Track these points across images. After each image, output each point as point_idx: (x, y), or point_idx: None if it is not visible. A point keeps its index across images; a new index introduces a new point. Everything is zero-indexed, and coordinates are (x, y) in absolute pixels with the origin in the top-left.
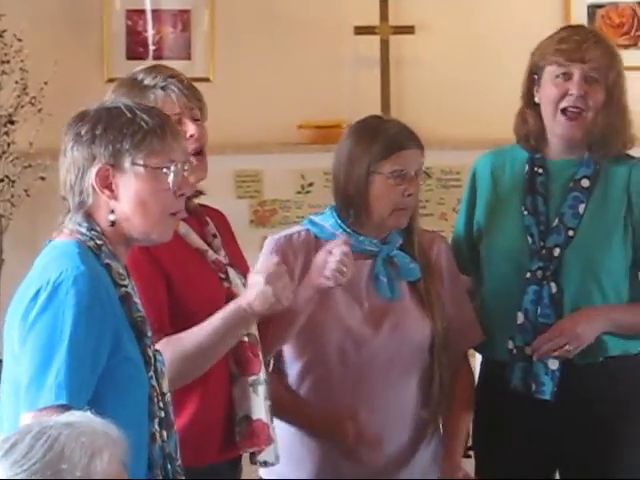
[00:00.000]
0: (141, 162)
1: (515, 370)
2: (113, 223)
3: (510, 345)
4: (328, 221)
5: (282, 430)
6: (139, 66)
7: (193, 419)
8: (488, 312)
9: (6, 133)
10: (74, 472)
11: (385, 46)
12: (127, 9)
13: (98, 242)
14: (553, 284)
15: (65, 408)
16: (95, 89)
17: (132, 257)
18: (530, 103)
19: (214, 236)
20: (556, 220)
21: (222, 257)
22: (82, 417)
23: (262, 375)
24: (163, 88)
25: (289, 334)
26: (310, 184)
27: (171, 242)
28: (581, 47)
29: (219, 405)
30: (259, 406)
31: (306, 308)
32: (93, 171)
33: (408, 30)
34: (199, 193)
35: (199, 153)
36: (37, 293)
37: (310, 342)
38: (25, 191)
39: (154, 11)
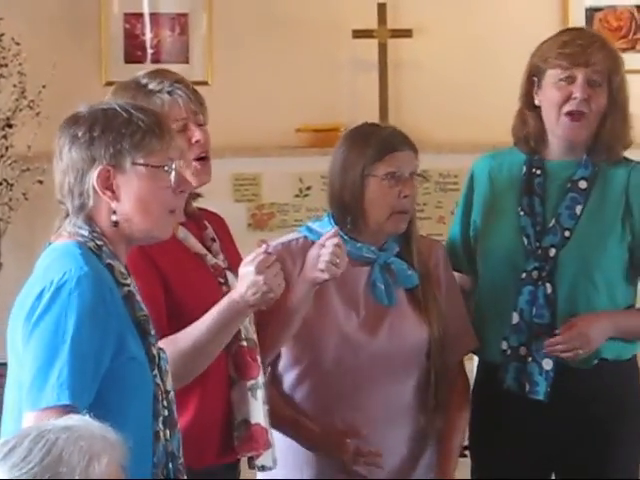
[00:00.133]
0: (142, 162)
1: (509, 370)
2: (116, 224)
3: (504, 346)
4: (325, 228)
5: (280, 434)
6: (137, 69)
7: (191, 422)
8: (483, 312)
9: (4, 136)
10: (72, 476)
11: (383, 49)
12: (125, 13)
13: (98, 243)
14: (548, 285)
15: (68, 408)
16: (93, 92)
17: (130, 260)
18: (529, 105)
19: (213, 240)
20: (552, 221)
21: (221, 261)
22: (80, 421)
23: (261, 379)
24: (170, 93)
25: (287, 335)
26: (308, 187)
27: (170, 246)
28: (585, 51)
29: (217, 409)
30: (258, 410)
31: (303, 305)
32: (94, 173)
33: (406, 33)
34: (197, 195)
35: (203, 158)
36: (41, 294)
37: (307, 348)
38: (23, 194)
39: (152, 15)
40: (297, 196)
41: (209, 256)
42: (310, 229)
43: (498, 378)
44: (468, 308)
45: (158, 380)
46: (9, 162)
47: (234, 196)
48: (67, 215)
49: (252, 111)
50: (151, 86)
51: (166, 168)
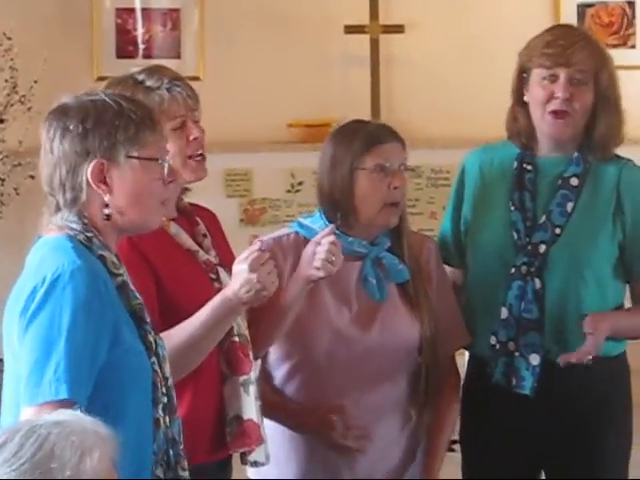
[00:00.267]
0: (136, 155)
1: (498, 365)
2: (108, 217)
3: (493, 340)
4: (317, 223)
5: (269, 430)
6: (129, 65)
7: (184, 418)
8: (473, 307)
9: None
10: (64, 471)
11: (375, 45)
12: (117, 8)
13: (88, 235)
14: (537, 280)
15: (65, 402)
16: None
17: (122, 256)
18: (520, 101)
19: (204, 236)
20: (543, 217)
21: (212, 257)
22: (72, 416)
23: (253, 375)
24: (168, 90)
25: (279, 332)
26: (300, 183)
27: (162, 242)
28: (565, 52)
29: (210, 405)
30: (250, 406)
31: (296, 303)
32: (89, 166)
33: (398, 29)
34: (185, 190)
35: (200, 154)
36: (34, 289)
37: (298, 344)
38: (15, 189)
39: (144, 10)
40: (289, 191)
41: (201, 252)
42: (301, 225)
43: (487, 373)
44: (459, 303)
45: (156, 367)
46: (0, 157)
47: (226, 191)
48: (58, 208)
49: (244, 106)
50: (149, 83)
51: (160, 161)
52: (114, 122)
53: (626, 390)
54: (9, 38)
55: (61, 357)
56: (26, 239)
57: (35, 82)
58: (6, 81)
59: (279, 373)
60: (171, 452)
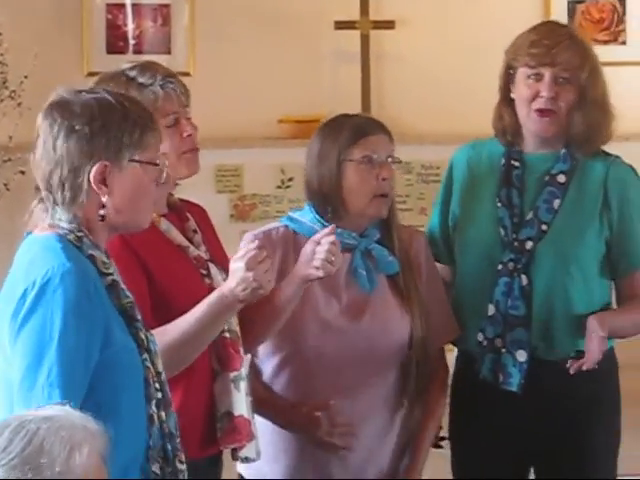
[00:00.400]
0: (138, 158)
1: (485, 361)
2: (103, 218)
3: (480, 337)
4: (306, 216)
5: (259, 426)
6: (119, 60)
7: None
8: (461, 303)
9: None
10: (53, 466)
11: (365, 41)
12: (107, 3)
13: (78, 234)
14: (524, 276)
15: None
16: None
17: (113, 253)
18: (506, 98)
19: (195, 232)
20: (530, 214)
21: (203, 253)
22: (61, 411)
23: (243, 371)
24: (162, 87)
25: (274, 330)
26: (290, 179)
27: (152, 238)
28: (550, 51)
29: (201, 401)
30: (240, 402)
31: (293, 301)
32: (93, 168)
33: (388, 25)
34: (175, 185)
35: (192, 150)
36: (25, 293)
37: (287, 337)
38: (5, 185)
39: (134, 5)
40: (279, 187)
41: (191, 248)
42: (291, 218)
43: (475, 369)
44: (448, 299)
45: (148, 363)
46: None
47: (216, 187)
48: (53, 206)
49: (234, 102)
50: (142, 80)
51: (160, 165)
52: (120, 125)
53: (614, 386)
54: None
55: (53, 362)
56: (16, 234)
57: (25, 77)
58: None
59: (268, 367)
60: (169, 446)
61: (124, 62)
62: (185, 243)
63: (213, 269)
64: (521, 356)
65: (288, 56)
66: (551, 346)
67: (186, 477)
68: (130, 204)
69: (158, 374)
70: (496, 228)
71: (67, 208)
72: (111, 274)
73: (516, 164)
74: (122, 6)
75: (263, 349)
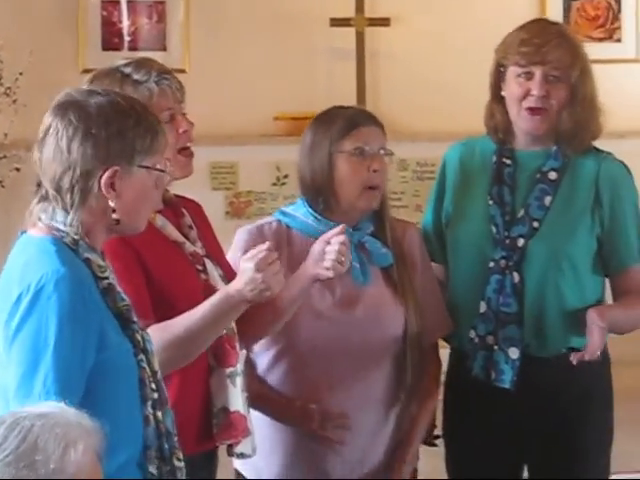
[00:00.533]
0: (146, 164)
1: (477, 359)
2: (118, 221)
3: (472, 334)
4: (299, 210)
5: (254, 421)
6: (114, 57)
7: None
8: (454, 301)
9: None
10: (48, 463)
11: (360, 38)
12: (102, 0)
13: (75, 237)
14: (515, 274)
15: None
16: (70, 80)
17: (111, 249)
18: (497, 96)
19: (190, 227)
20: (522, 211)
21: (199, 249)
22: (56, 408)
23: (239, 367)
24: (157, 83)
25: (274, 328)
26: (285, 176)
27: (148, 234)
28: (540, 50)
29: (197, 396)
30: (236, 398)
31: (298, 300)
32: (105, 173)
33: (383, 22)
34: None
35: (186, 148)
36: (19, 298)
37: (282, 330)
38: (0, 182)
39: (129, 2)
40: (274, 184)
41: (187, 244)
42: (284, 213)
43: (468, 367)
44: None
45: (144, 364)
46: None
47: (211, 184)
48: (62, 207)
49: (229, 99)
50: (137, 76)
51: (166, 170)
52: (134, 131)
53: (607, 383)
54: None
55: (49, 368)
56: (11, 231)
57: (20, 74)
58: None
59: (263, 360)
60: (165, 445)
61: (119, 59)
62: (181, 239)
63: (209, 265)
64: (513, 353)
65: (283, 53)
66: (543, 343)
67: (184, 474)
68: (133, 208)
69: (154, 374)
70: (488, 226)
71: (74, 210)
72: (106, 278)
73: (508, 162)
74: (117, 3)
75: (257, 344)
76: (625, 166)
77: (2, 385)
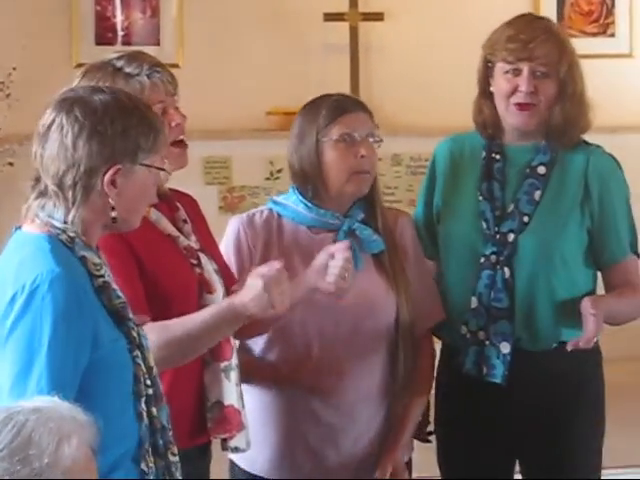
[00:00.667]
0: (147, 162)
1: (469, 354)
2: (115, 219)
3: (464, 330)
4: (290, 198)
5: (248, 413)
6: (108, 51)
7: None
8: (445, 297)
9: None
10: (42, 457)
11: (354, 33)
12: None
13: (71, 235)
14: (506, 269)
15: None
16: (64, 75)
17: (106, 244)
18: (485, 92)
19: (185, 222)
20: (512, 206)
21: (193, 243)
22: (49, 402)
23: (234, 361)
24: (149, 76)
25: (270, 329)
26: (279, 170)
27: (143, 228)
28: (527, 46)
29: (190, 390)
30: (231, 392)
31: (298, 305)
32: (109, 171)
33: (377, 17)
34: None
35: (180, 141)
36: (13, 298)
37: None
38: None
39: None
40: (268, 179)
41: (181, 238)
42: (275, 201)
43: (459, 362)
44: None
45: (139, 360)
46: None
47: (205, 179)
48: (64, 204)
49: (223, 94)
50: (128, 70)
51: (165, 168)
52: (138, 129)
53: (599, 378)
54: None
55: (43, 368)
56: (4, 226)
57: (14, 69)
58: None
59: (256, 347)
60: (160, 441)
61: (113, 53)
62: (175, 233)
63: (204, 259)
64: (505, 348)
65: (277, 48)
66: (535, 337)
67: (179, 469)
68: (133, 206)
69: (149, 369)
70: (478, 221)
71: (75, 207)
72: (102, 276)
73: (497, 157)
74: None
75: None
76: (614, 159)
77: None
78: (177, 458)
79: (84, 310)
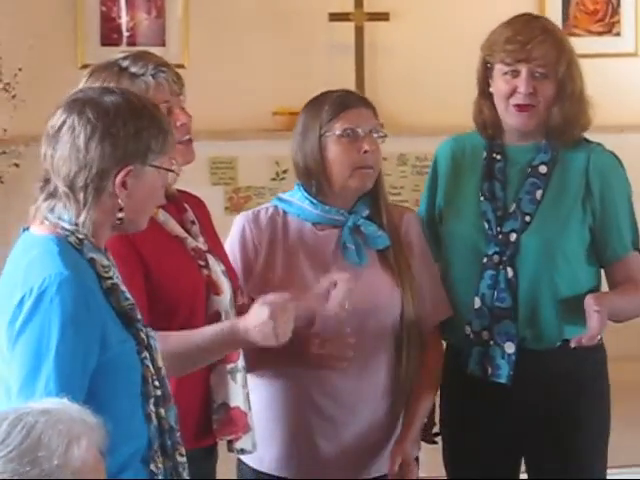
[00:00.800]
0: (157, 164)
1: (472, 355)
2: (122, 220)
3: (467, 330)
4: (295, 195)
5: (254, 414)
6: (113, 52)
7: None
8: (448, 297)
9: None
10: (51, 459)
11: (360, 33)
12: None
13: (80, 237)
14: (509, 269)
15: None
16: (69, 75)
17: (112, 246)
18: (485, 92)
19: (192, 223)
20: (513, 206)
21: (201, 244)
22: (59, 404)
23: (240, 363)
24: (154, 76)
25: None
26: (284, 171)
27: (150, 230)
28: (525, 48)
29: (197, 392)
30: (237, 394)
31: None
32: (121, 172)
33: (383, 17)
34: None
35: (187, 139)
36: (22, 300)
37: None
38: None
39: None
40: (274, 179)
41: (189, 239)
42: (280, 198)
43: (462, 362)
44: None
45: (148, 362)
46: None
47: (211, 179)
48: (76, 205)
49: (228, 94)
50: (134, 69)
51: (174, 169)
52: (149, 131)
53: (604, 375)
54: None
55: (51, 371)
56: (10, 227)
57: (19, 70)
58: None
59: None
60: (168, 442)
61: (118, 54)
62: (183, 234)
63: (211, 260)
64: (509, 348)
65: (282, 48)
66: (539, 336)
67: (186, 469)
68: (141, 207)
69: (158, 370)
70: (480, 222)
71: (87, 209)
72: (110, 278)
73: (498, 157)
74: None
75: None
76: (615, 156)
77: (6, 382)
78: (185, 459)
79: (92, 312)
